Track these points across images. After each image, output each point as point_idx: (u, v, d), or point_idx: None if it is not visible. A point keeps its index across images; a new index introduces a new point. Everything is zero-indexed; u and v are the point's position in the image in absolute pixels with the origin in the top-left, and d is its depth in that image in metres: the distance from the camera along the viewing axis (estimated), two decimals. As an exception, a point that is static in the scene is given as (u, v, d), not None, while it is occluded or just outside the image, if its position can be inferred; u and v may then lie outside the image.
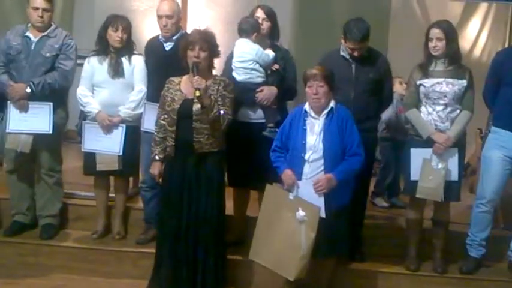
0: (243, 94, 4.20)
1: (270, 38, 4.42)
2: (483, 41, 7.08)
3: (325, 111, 3.84)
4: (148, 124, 4.37)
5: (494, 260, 4.53)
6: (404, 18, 6.91)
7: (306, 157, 3.81)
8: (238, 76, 4.29)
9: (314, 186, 3.74)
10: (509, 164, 4.27)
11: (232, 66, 4.33)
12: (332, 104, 3.85)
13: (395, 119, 5.30)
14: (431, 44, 4.18)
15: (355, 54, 4.22)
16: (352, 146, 3.82)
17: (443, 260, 4.40)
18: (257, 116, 4.33)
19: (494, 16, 7.06)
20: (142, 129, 4.52)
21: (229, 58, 4.39)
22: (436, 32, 4.16)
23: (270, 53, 4.30)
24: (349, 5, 5.53)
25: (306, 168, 3.82)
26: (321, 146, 3.80)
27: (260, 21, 4.36)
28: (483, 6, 6.85)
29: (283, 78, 4.37)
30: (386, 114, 5.20)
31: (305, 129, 3.86)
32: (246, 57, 4.26)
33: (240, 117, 4.28)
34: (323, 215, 3.72)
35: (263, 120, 4.30)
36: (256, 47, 4.25)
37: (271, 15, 4.40)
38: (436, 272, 4.35)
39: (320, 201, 3.75)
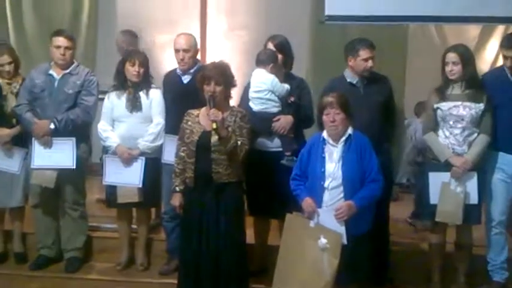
0: (259, 124, 4.25)
1: (283, 68, 4.47)
2: (501, 63, 7.03)
3: (343, 139, 3.84)
4: (169, 156, 4.42)
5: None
6: (421, 43, 6.92)
7: (326, 185, 3.81)
8: (255, 106, 4.35)
9: (335, 214, 3.73)
10: (509, 184, 4.28)
11: (249, 97, 4.39)
12: (350, 130, 3.86)
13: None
14: (447, 68, 4.20)
15: (370, 64, 4.28)
16: (371, 172, 3.81)
17: (467, 284, 4.35)
18: (274, 145, 4.37)
19: (511, 38, 7.03)
20: (162, 161, 4.58)
21: (247, 88, 4.45)
22: (452, 56, 4.18)
23: (285, 86, 4.34)
24: (366, 31, 5.55)
25: (326, 196, 3.81)
26: (340, 173, 3.79)
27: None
28: (500, 28, 6.82)
29: (299, 107, 4.41)
30: (419, 139, 5.20)
31: (324, 157, 3.85)
32: (261, 87, 4.32)
33: (258, 146, 4.33)
34: (345, 241, 3.71)
35: (280, 149, 4.34)
36: (271, 77, 4.31)
37: (281, 47, 4.45)
38: (461, 297, 4.32)
39: (341, 229, 3.73)
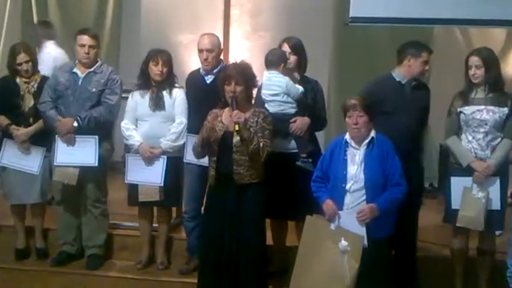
0: (276, 125, 4.20)
1: (297, 71, 4.44)
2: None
3: (366, 141, 3.84)
4: (191, 156, 4.42)
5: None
6: (446, 46, 6.84)
7: (347, 187, 3.81)
8: (272, 108, 4.30)
9: (357, 216, 3.72)
10: None
11: (264, 99, 4.35)
12: (373, 133, 3.85)
13: None
14: (470, 72, 4.16)
15: (427, 68, 4.29)
16: (394, 176, 3.80)
17: (489, 291, 4.29)
18: (290, 146, 4.34)
19: (538, 41, 6.93)
20: (184, 160, 4.59)
21: (259, 89, 4.40)
22: (474, 60, 4.14)
23: (300, 88, 4.32)
24: (390, 34, 5.54)
25: (347, 199, 3.81)
26: (362, 176, 3.79)
27: (287, 55, 4.39)
28: (527, 32, 6.74)
29: (314, 109, 4.41)
30: None
31: (346, 160, 3.85)
32: (277, 90, 4.29)
33: (274, 147, 4.29)
34: (365, 244, 3.70)
35: (296, 150, 4.32)
36: (285, 80, 4.28)
37: (296, 48, 4.42)
38: (482, 305, 4.25)
39: (362, 230, 3.72)
